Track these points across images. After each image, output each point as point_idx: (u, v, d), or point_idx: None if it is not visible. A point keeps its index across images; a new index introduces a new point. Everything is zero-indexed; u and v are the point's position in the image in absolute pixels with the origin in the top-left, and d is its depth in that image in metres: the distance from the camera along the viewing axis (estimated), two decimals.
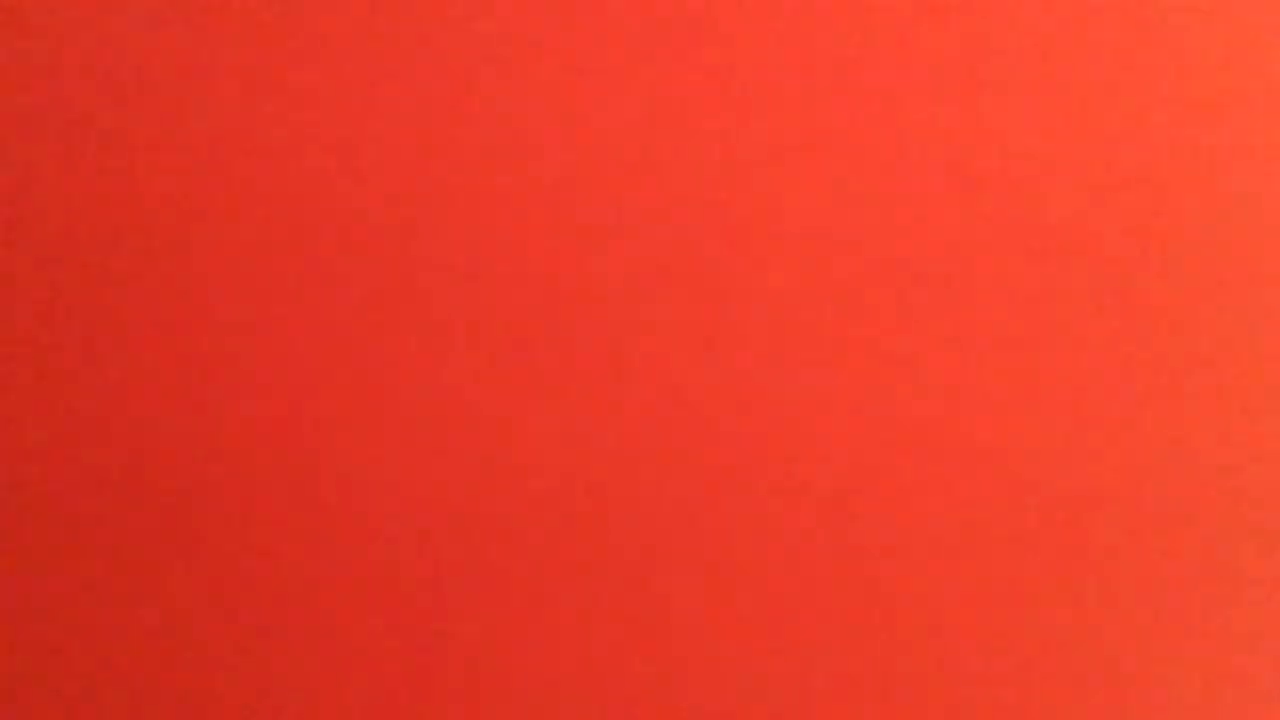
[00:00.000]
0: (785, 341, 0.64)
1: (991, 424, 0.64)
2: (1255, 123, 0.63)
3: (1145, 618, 0.64)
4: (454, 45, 0.65)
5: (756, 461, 0.65)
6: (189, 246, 0.66)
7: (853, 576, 0.65)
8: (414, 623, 0.66)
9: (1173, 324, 0.63)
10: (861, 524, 0.64)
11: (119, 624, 0.66)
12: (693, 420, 0.65)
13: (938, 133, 0.64)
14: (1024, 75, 0.63)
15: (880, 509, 0.64)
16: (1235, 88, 0.63)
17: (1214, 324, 0.63)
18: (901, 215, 0.64)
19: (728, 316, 0.64)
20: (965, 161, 0.64)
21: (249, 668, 0.66)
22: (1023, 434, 0.64)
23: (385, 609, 0.66)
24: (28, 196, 0.66)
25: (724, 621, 0.65)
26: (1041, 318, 0.64)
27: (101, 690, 0.67)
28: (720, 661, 0.65)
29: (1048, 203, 0.64)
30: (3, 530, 0.67)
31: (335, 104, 0.65)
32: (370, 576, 0.66)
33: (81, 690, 0.67)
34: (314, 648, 0.66)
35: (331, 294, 0.66)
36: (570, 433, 0.65)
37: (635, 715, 0.65)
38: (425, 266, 0.65)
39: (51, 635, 0.67)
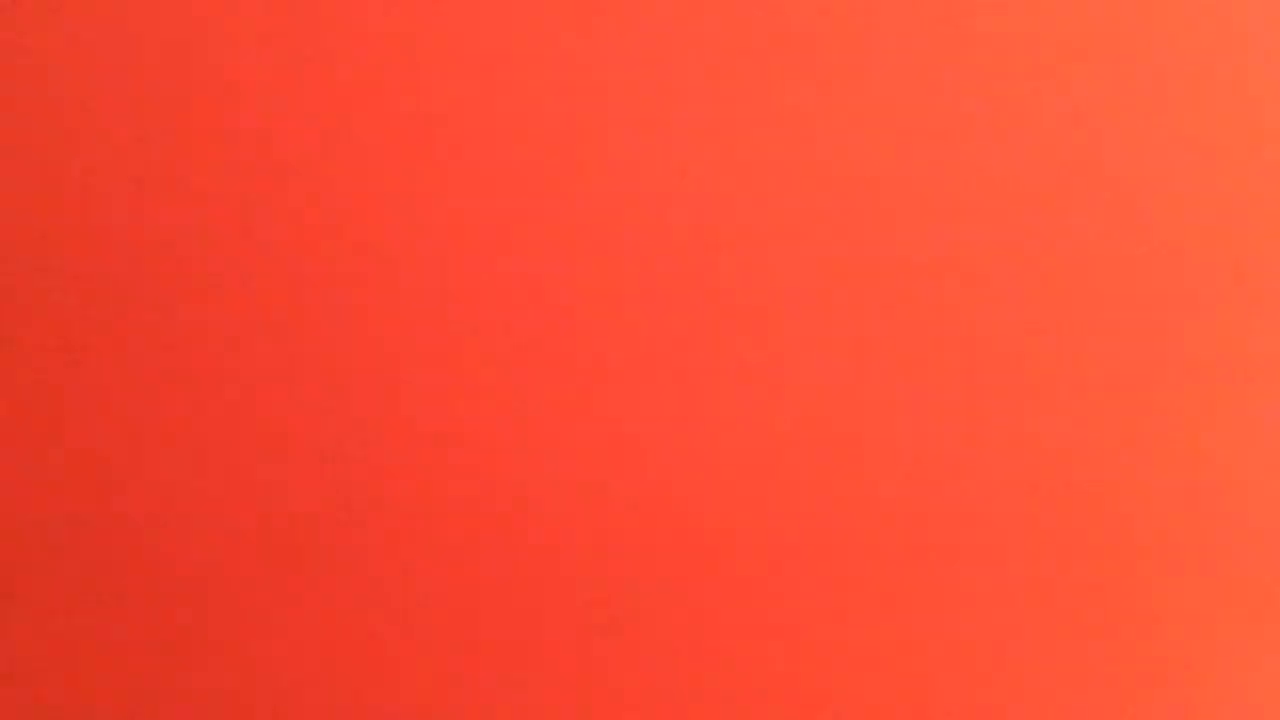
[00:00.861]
0: (781, 342, 0.64)
1: (989, 425, 0.64)
2: (1255, 122, 0.63)
3: (1145, 621, 0.64)
4: (452, 46, 0.65)
5: (751, 464, 0.65)
6: (190, 248, 0.66)
7: (853, 577, 0.65)
8: (412, 625, 0.66)
9: (1168, 325, 0.63)
10: (863, 525, 0.65)
11: (118, 625, 0.67)
12: (690, 422, 0.65)
13: (932, 132, 0.64)
14: (1022, 74, 0.63)
15: (880, 510, 0.64)
16: (1235, 88, 0.63)
17: (1213, 324, 0.63)
18: (900, 218, 0.64)
19: (725, 319, 0.64)
20: (958, 161, 0.64)
21: (252, 669, 0.66)
22: (1021, 435, 0.64)
23: (383, 611, 0.66)
24: (27, 197, 0.66)
25: (722, 623, 0.65)
26: (1038, 318, 0.64)
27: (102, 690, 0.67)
28: (716, 662, 0.65)
29: (1045, 204, 0.64)
30: (4, 534, 0.67)
31: (333, 104, 0.65)
32: (369, 578, 0.66)
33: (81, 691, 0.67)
34: (312, 651, 0.66)
35: (330, 296, 0.66)
36: (557, 436, 0.65)
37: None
38: (418, 271, 0.65)
39: (52, 635, 0.67)
